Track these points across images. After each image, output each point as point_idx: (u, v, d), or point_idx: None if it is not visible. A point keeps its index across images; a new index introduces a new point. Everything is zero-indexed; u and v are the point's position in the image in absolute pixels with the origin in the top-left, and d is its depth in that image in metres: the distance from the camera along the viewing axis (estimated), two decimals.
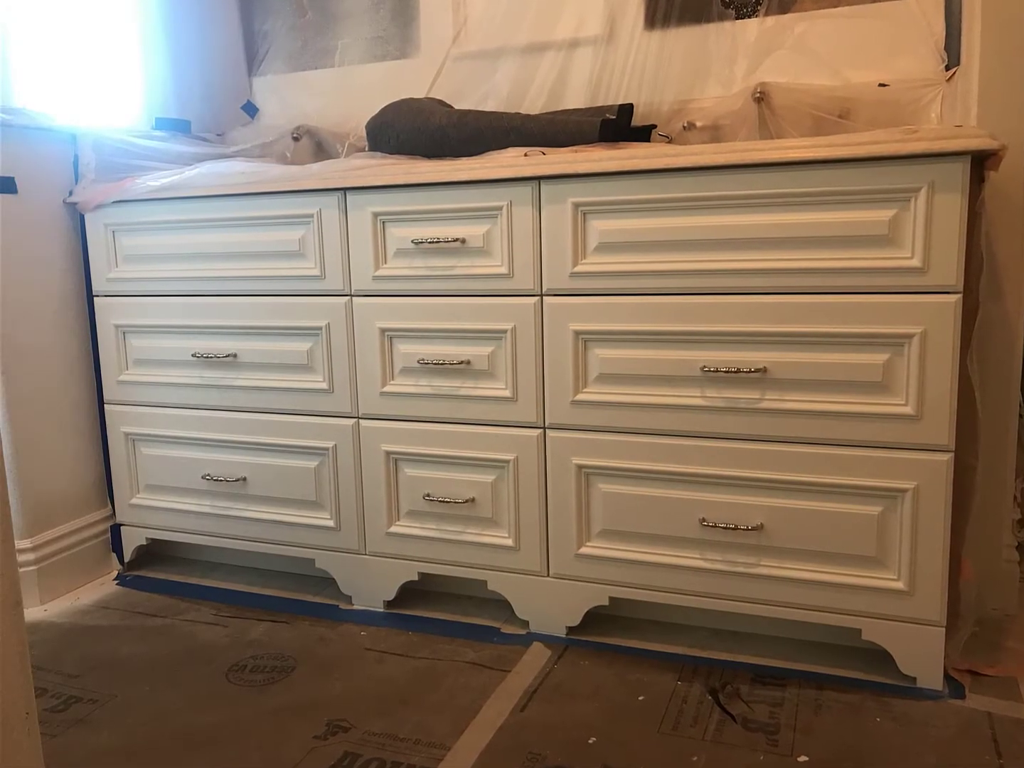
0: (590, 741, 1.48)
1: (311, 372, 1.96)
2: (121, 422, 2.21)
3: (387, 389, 1.89)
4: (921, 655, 1.59)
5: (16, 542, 1.97)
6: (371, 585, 2.00)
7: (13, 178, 2.01)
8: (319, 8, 2.53)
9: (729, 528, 1.65)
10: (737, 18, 2.07)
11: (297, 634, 1.90)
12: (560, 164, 1.66)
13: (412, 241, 1.80)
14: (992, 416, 1.74)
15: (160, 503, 2.20)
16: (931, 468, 1.52)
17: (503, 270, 1.75)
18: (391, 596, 1.98)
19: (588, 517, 1.78)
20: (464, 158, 1.84)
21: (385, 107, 2.02)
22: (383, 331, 1.87)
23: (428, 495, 1.89)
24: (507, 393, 1.79)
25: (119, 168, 2.15)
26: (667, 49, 2.10)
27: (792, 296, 1.56)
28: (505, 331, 1.77)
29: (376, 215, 1.83)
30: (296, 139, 2.38)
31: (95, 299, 2.19)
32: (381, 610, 1.99)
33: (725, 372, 1.61)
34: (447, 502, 1.87)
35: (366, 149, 2.07)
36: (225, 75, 2.59)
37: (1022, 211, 1.72)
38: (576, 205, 1.67)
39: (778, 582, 1.65)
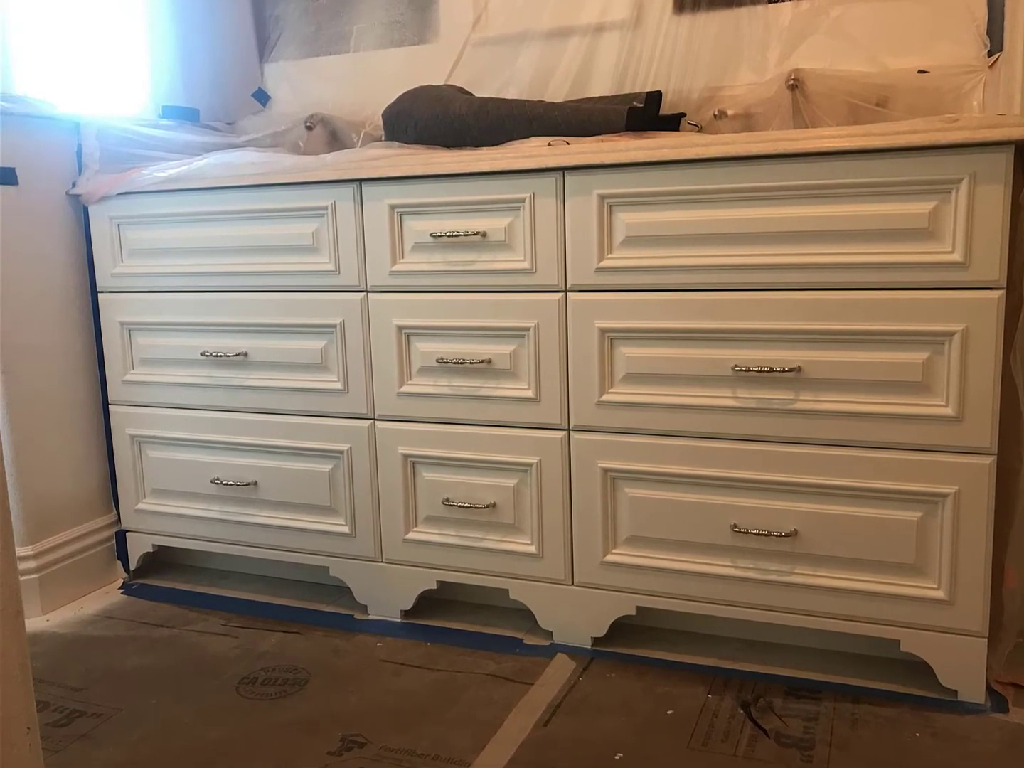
0: (617, 757, 1.50)
1: (325, 371, 1.99)
2: (126, 424, 2.24)
3: (404, 389, 1.92)
4: (962, 667, 1.61)
5: (17, 549, 1.99)
6: (388, 594, 2.02)
7: (14, 169, 2.03)
8: None
9: (762, 535, 1.67)
10: (770, 1, 2.09)
11: (310, 645, 1.93)
12: (585, 154, 1.69)
13: (431, 235, 1.83)
14: None
15: (167, 508, 2.23)
16: (973, 472, 1.54)
17: (525, 265, 1.77)
18: (408, 605, 2.01)
19: (614, 523, 1.80)
20: (485, 148, 1.86)
21: (402, 95, 2.05)
22: (400, 329, 1.90)
23: (447, 500, 1.91)
24: (530, 393, 1.82)
25: (124, 158, 2.18)
26: (697, 34, 2.12)
27: (828, 292, 1.58)
28: (528, 329, 1.79)
29: (393, 207, 1.86)
30: (309, 128, 2.41)
31: (99, 295, 2.22)
32: (398, 620, 2.02)
33: (758, 372, 1.64)
34: (467, 507, 1.90)
35: (382, 138, 2.10)
36: (235, 61, 2.62)
37: None
38: (602, 197, 1.69)
39: (813, 591, 1.67)
